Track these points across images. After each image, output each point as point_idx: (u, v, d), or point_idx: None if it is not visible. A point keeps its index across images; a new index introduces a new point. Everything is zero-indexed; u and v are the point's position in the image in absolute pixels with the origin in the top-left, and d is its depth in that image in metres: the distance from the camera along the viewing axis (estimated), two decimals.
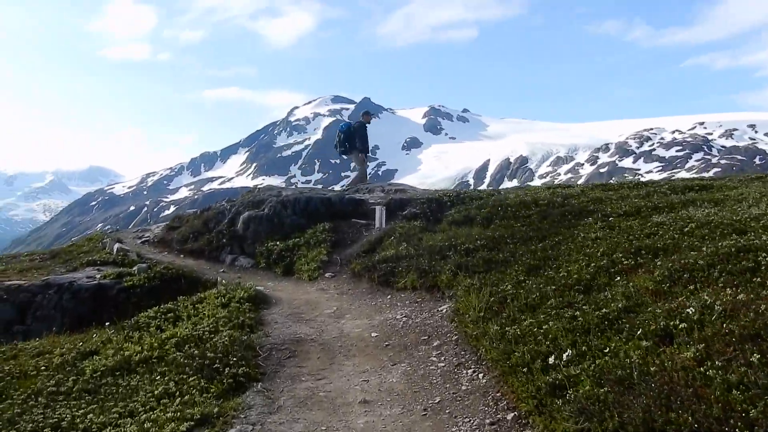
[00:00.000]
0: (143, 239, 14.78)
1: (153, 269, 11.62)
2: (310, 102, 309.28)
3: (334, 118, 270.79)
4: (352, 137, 16.69)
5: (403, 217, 13.01)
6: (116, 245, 13.09)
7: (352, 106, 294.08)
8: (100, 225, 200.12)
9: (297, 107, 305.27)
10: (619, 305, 4.97)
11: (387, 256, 9.56)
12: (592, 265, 6.27)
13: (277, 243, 12.41)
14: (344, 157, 17.88)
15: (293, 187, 22.21)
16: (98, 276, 11.40)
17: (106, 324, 9.47)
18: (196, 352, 6.35)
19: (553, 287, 5.90)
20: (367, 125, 17.06)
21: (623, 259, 6.18)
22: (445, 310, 7.04)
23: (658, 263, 5.81)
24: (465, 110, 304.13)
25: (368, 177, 18.86)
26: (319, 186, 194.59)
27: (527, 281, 6.51)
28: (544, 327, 5.04)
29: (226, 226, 13.42)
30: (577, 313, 5.11)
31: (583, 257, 6.72)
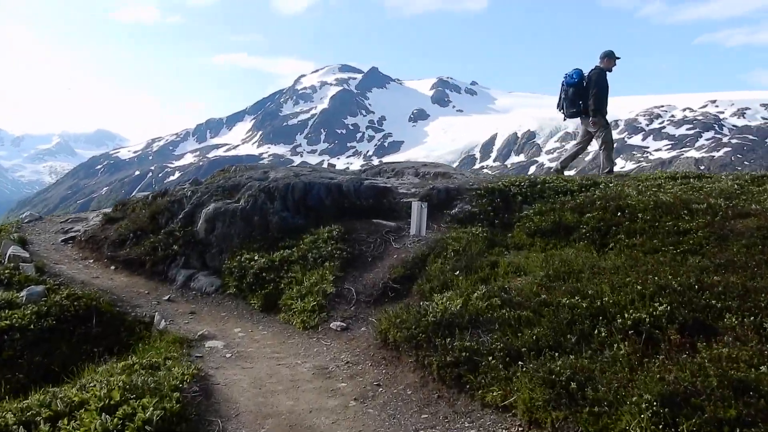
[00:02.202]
0: (69, 235, 10.22)
1: (51, 297, 7.10)
2: (317, 70, 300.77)
3: (341, 87, 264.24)
4: (585, 92, 10.65)
5: (452, 218, 8.43)
6: (11, 249, 8.48)
7: (359, 76, 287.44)
8: (105, 189, 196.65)
9: (304, 75, 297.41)
10: None
11: (450, 315, 4.93)
12: None
13: (257, 256, 7.86)
14: (569, 121, 11.44)
15: (288, 165, 17.32)
16: None
17: None
18: None
19: None
20: (608, 73, 10.80)
21: None
22: None
23: None
24: (473, 83, 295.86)
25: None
26: (325, 158, 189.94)
27: None
28: None
29: (181, 223, 8.78)
30: None
31: None
